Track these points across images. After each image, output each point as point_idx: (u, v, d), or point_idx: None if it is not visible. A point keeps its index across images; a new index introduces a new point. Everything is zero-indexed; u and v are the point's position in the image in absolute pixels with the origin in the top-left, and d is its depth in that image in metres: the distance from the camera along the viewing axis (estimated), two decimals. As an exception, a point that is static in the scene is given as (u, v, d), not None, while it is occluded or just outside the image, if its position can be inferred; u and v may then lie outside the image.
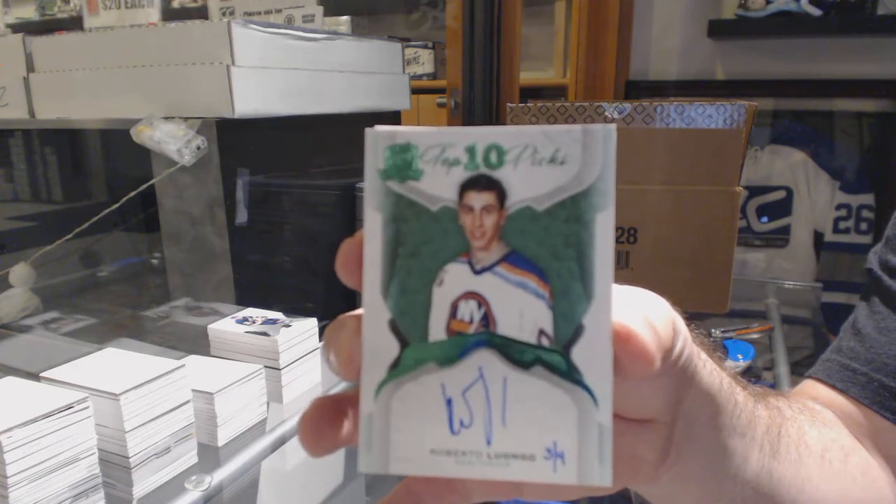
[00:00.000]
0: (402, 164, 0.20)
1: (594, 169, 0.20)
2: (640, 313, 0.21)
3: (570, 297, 0.20)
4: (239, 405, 0.69)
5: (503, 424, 0.20)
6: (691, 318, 0.26)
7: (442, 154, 0.20)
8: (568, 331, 0.20)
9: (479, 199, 0.20)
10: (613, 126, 0.20)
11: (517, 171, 0.20)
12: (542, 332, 0.20)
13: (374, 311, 0.21)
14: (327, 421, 0.22)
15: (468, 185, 0.20)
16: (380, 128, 0.21)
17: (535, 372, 0.20)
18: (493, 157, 0.20)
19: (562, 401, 0.20)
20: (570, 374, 0.20)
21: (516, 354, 0.20)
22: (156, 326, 0.90)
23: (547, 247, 0.20)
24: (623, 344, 0.20)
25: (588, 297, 0.20)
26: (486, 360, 0.20)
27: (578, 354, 0.20)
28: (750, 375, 0.95)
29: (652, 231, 1.03)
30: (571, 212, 0.20)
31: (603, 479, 0.20)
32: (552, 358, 0.20)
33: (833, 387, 0.45)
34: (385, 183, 0.20)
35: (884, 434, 0.42)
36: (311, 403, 0.22)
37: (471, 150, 0.20)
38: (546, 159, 0.20)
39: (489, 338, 0.20)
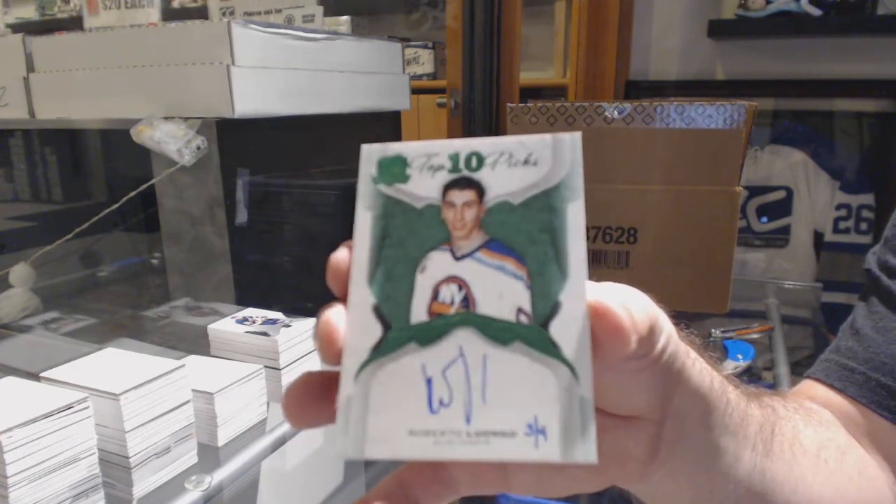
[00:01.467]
0: (393, 171, 0.23)
1: (563, 168, 0.22)
2: (617, 296, 0.21)
3: (546, 276, 0.21)
4: (239, 405, 0.69)
5: (483, 402, 0.20)
6: (691, 318, 0.26)
7: (428, 162, 0.22)
8: (545, 308, 0.21)
9: (460, 197, 0.22)
10: (579, 133, 0.22)
11: (495, 173, 0.22)
12: (520, 310, 0.21)
13: (359, 298, 0.21)
14: (312, 396, 0.22)
15: (451, 186, 0.22)
16: (374, 144, 0.23)
17: (514, 348, 0.20)
18: (474, 162, 0.22)
19: (542, 376, 0.20)
20: (549, 349, 0.20)
21: (496, 332, 0.21)
22: (156, 326, 0.91)
23: (523, 233, 0.21)
24: (599, 319, 0.20)
25: (563, 277, 0.21)
26: (466, 339, 0.21)
27: (557, 329, 0.20)
28: (750, 375, 0.95)
29: (652, 231, 1.03)
30: (544, 203, 0.22)
31: (587, 454, 0.19)
32: (531, 333, 0.20)
33: (831, 386, 0.45)
34: (376, 186, 0.22)
35: (882, 433, 0.42)
36: (300, 375, 0.22)
37: (454, 158, 0.22)
38: (520, 161, 0.22)
39: (469, 317, 0.21)
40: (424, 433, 0.20)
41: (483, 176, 0.22)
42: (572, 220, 0.21)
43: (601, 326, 0.20)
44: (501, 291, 0.21)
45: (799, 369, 0.95)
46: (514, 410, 0.20)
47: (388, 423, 0.20)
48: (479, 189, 0.22)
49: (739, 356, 0.97)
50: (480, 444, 0.20)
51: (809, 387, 0.47)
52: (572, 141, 0.22)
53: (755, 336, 1.04)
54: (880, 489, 0.40)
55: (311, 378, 0.22)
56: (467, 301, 0.21)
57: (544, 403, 0.20)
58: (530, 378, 0.20)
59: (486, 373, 0.20)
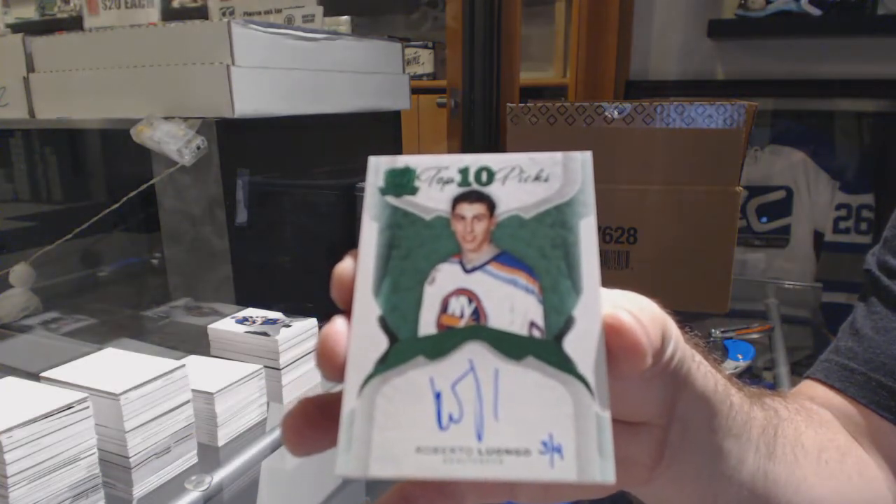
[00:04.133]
0: (401, 183, 0.22)
1: (575, 185, 0.22)
2: (630, 310, 0.21)
3: (559, 291, 0.20)
4: (239, 405, 0.69)
5: (495, 418, 0.19)
6: (691, 318, 0.26)
7: (437, 175, 0.22)
8: (559, 322, 0.20)
9: (470, 210, 0.22)
10: (590, 152, 0.22)
11: (505, 188, 0.22)
12: (533, 325, 0.20)
13: (364, 308, 0.21)
14: (310, 422, 0.21)
15: (460, 199, 0.22)
16: (381, 156, 0.23)
17: (527, 363, 0.20)
18: (484, 177, 0.22)
19: (556, 392, 0.19)
20: (564, 364, 0.20)
21: (508, 346, 0.20)
22: (156, 326, 0.90)
23: (535, 248, 0.21)
24: (615, 336, 0.20)
25: (577, 292, 0.20)
26: (476, 353, 0.20)
27: (571, 345, 0.20)
28: (750, 375, 0.95)
29: (652, 231, 1.03)
30: (556, 218, 0.21)
31: (605, 474, 0.18)
32: (544, 348, 0.20)
33: (831, 387, 0.45)
34: (383, 197, 0.22)
35: (882, 434, 0.42)
36: (297, 403, 0.22)
37: (463, 172, 0.22)
38: (531, 177, 0.22)
39: (480, 330, 0.20)
40: (433, 450, 0.19)
41: (493, 190, 0.22)
42: (585, 235, 0.21)
43: (617, 343, 0.20)
44: (513, 305, 0.20)
45: (799, 369, 0.95)
46: (527, 427, 0.19)
47: (394, 440, 0.19)
48: (490, 203, 0.22)
49: (739, 356, 0.96)
50: (493, 462, 0.19)
51: (809, 387, 0.47)
52: (583, 159, 0.22)
53: (755, 336, 1.04)
54: (879, 489, 0.40)
55: (308, 404, 0.21)
56: (478, 314, 0.20)
57: (559, 420, 0.19)
58: (544, 394, 0.19)
59: (497, 388, 0.20)
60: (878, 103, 1.59)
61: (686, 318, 0.25)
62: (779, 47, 1.60)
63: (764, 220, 1.66)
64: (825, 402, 0.44)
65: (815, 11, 1.45)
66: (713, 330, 1.04)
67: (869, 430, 0.42)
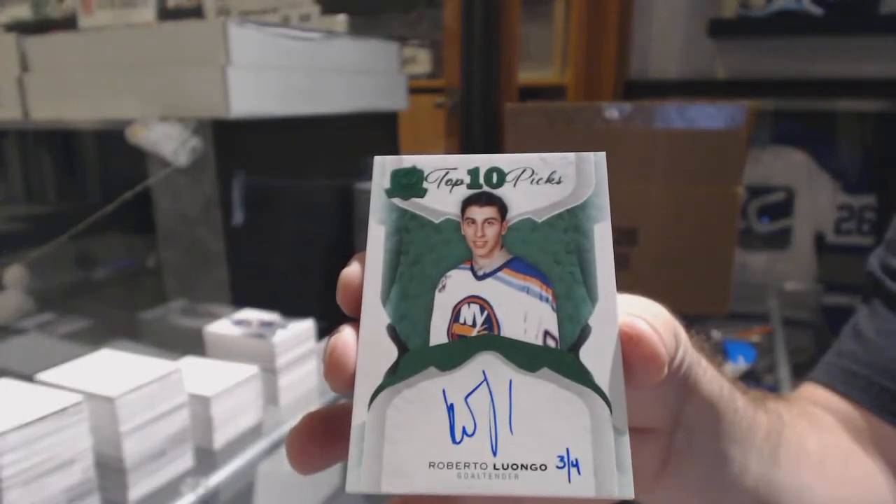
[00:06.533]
0: (408, 184, 0.21)
1: (588, 187, 0.21)
2: (646, 318, 0.20)
3: (573, 299, 0.20)
4: (235, 408, 0.68)
5: (510, 431, 0.19)
6: (692, 320, 0.26)
7: (445, 176, 0.21)
8: (574, 332, 0.20)
9: (481, 213, 0.21)
10: (604, 153, 0.22)
11: (517, 190, 0.21)
12: (547, 334, 0.20)
13: (372, 317, 0.20)
14: (315, 439, 0.21)
15: (470, 201, 0.21)
16: (387, 156, 0.22)
17: (542, 374, 0.19)
18: (494, 178, 0.21)
19: (572, 404, 0.19)
20: (580, 376, 0.19)
21: (522, 357, 0.20)
22: (151, 328, 0.90)
23: (548, 253, 0.20)
24: (633, 346, 0.19)
25: (592, 300, 0.20)
26: (489, 364, 0.20)
27: (587, 355, 0.19)
28: (751, 378, 0.95)
29: (652, 232, 1.02)
30: (570, 222, 0.21)
31: (623, 489, 0.18)
32: (560, 359, 0.19)
33: (834, 389, 0.45)
34: (390, 200, 0.21)
35: (885, 437, 0.42)
36: (301, 419, 0.21)
37: (473, 173, 0.21)
38: (543, 179, 0.21)
39: (493, 340, 0.20)
40: (447, 465, 0.19)
41: (504, 192, 0.21)
42: (599, 240, 0.20)
43: (634, 353, 0.19)
44: (526, 313, 0.20)
45: (800, 372, 0.95)
46: (544, 441, 0.19)
47: (406, 454, 0.19)
48: (501, 206, 0.21)
49: (740, 358, 0.96)
50: (508, 477, 0.19)
51: (811, 390, 0.46)
52: (597, 160, 0.22)
53: (756, 338, 1.03)
54: (882, 494, 0.40)
55: (312, 420, 0.21)
56: (490, 323, 0.20)
57: (576, 434, 0.19)
58: (560, 407, 0.19)
59: (512, 400, 0.19)
60: (880, 103, 1.59)
61: (686, 320, 0.25)
62: (780, 47, 1.60)
63: (765, 221, 1.65)
64: (827, 405, 0.44)
65: (817, 10, 1.45)
66: (713, 331, 1.04)
67: (871, 433, 0.42)
